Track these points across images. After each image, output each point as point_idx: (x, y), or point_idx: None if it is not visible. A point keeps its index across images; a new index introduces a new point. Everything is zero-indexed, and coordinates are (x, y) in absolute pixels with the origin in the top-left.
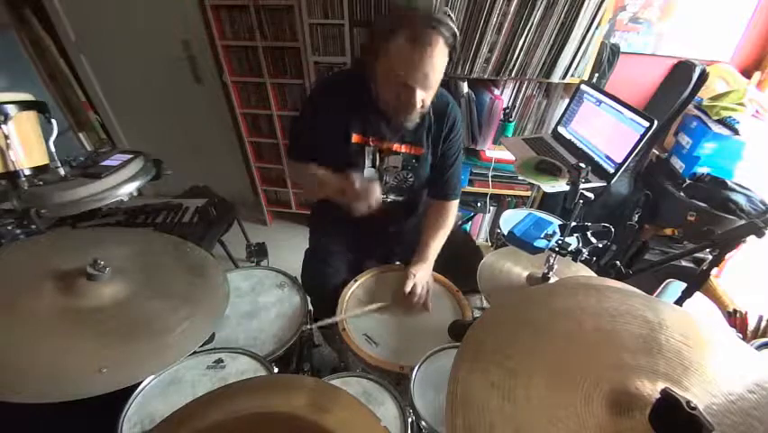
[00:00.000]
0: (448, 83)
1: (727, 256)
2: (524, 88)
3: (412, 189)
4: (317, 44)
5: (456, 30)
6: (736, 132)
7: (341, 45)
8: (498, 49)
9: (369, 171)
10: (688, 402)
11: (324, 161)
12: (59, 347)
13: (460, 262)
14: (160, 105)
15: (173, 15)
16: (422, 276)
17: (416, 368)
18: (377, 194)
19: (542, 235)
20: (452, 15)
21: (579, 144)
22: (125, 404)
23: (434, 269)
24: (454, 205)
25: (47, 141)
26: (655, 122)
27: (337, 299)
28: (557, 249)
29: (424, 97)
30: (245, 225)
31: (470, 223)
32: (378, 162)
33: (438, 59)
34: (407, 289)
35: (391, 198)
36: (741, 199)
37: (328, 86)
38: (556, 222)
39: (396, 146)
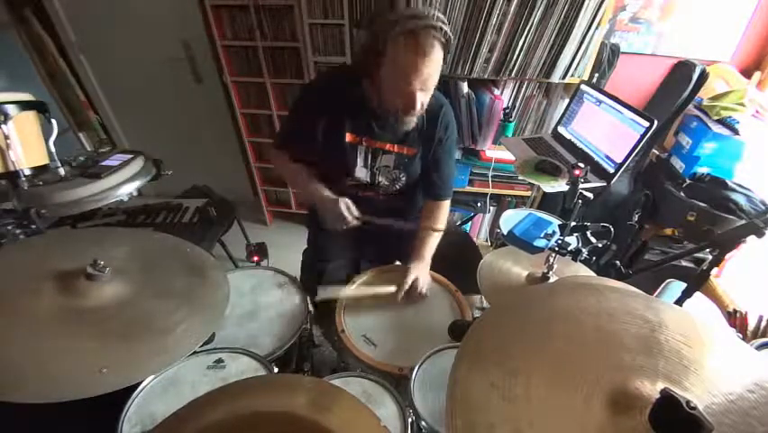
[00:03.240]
0: (448, 83)
1: (727, 256)
2: (524, 88)
3: (405, 188)
4: (317, 44)
5: (450, 32)
6: (736, 132)
7: (341, 45)
8: (498, 49)
9: (361, 171)
10: (688, 402)
11: (319, 158)
12: (59, 347)
13: (459, 263)
14: (160, 105)
15: (173, 15)
16: (421, 273)
17: (416, 368)
18: (352, 220)
19: (541, 235)
20: (443, 18)
21: (579, 144)
22: (125, 404)
23: (435, 269)
24: (446, 204)
25: (47, 141)
26: (655, 122)
27: (336, 300)
28: (557, 249)
29: (423, 100)
30: (245, 225)
31: (470, 223)
32: (370, 161)
33: (436, 63)
34: (409, 281)
35: (385, 197)
36: (741, 199)
37: (324, 83)
38: (556, 222)
39: (389, 146)
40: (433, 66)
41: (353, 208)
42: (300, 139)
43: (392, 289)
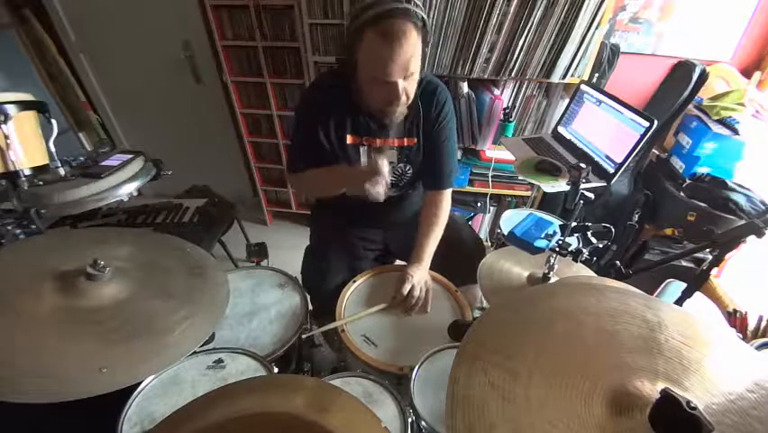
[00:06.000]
0: (448, 83)
1: (727, 256)
2: (524, 88)
3: (410, 182)
4: (317, 44)
5: (424, 14)
6: (735, 132)
7: (341, 45)
8: (498, 49)
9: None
10: (688, 402)
11: (323, 165)
12: (59, 347)
13: (461, 253)
14: (160, 105)
15: (173, 15)
16: (419, 277)
17: (417, 368)
18: (386, 167)
19: (542, 236)
20: (418, 2)
21: (579, 144)
22: (125, 404)
23: (435, 260)
24: (448, 194)
25: (47, 141)
26: (655, 122)
27: (337, 299)
28: (558, 249)
29: (405, 86)
30: (245, 225)
31: (470, 223)
32: None
33: (412, 48)
34: (405, 291)
35: (392, 198)
36: (741, 199)
37: (313, 95)
38: (556, 222)
39: (390, 141)
40: (409, 51)
41: (380, 158)
42: (312, 155)
43: (386, 305)
